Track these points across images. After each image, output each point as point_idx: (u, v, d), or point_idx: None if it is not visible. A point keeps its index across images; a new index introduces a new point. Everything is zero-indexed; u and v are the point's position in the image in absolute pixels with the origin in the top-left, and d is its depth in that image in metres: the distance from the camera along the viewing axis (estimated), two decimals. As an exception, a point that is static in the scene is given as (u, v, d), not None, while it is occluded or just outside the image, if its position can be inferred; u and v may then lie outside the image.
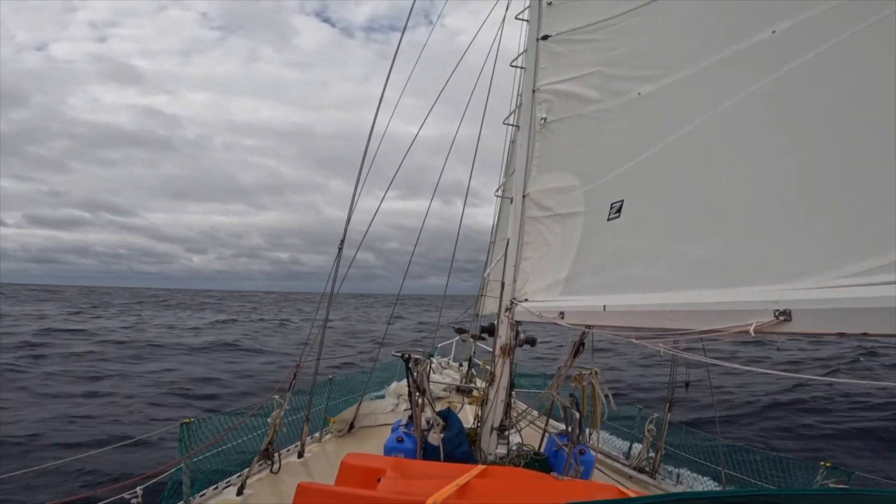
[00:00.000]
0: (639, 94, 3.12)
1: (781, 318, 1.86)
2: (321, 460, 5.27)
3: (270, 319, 41.66)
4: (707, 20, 2.70)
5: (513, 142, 5.86)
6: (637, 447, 5.73)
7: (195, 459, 4.02)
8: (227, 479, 4.36)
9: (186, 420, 4.02)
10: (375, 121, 5.00)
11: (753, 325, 1.92)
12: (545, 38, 4.08)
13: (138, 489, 3.40)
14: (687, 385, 4.92)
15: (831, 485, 3.99)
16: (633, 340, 2.49)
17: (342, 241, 4.93)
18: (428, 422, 3.74)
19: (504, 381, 4.04)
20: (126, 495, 3.37)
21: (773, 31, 2.28)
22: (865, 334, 1.67)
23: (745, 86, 2.38)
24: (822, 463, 4.21)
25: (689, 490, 4.99)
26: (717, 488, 5.06)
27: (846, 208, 1.94)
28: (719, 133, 2.51)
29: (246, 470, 4.38)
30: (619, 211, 3.10)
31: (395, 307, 7.56)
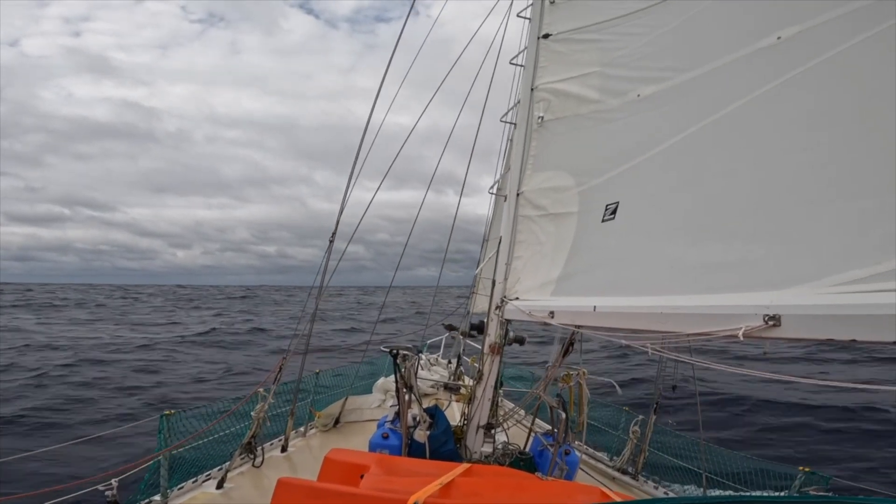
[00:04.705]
0: (638, 95, 3.11)
1: (770, 322, 1.86)
2: (305, 455, 5.22)
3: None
4: (712, 24, 2.69)
5: (510, 139, 5.85)
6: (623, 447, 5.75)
7: (174, 453, 3.92)
8: (208, 473, 4.28)
9: (167, 412, 3.94)
10: (372, 113, 5.03)
11: (743, 329, 1.93)
12: (546, 36, 4.06)
13: (113, 481, 3.30)
14: (674, 388, 4.95)
15: (811, 492, 4.01)
16: (623, 341, 2.49)
17: (333, 233, 4.90)
18: (414, 418, 3.71)
19: (492, 380, 4.03)
20: (101, 487, 3.27)
21: (779, 37, 2.27)
22: (854, 341, 1.68)
23: (747, 91, 2.37)
24: (801, 468, 4.24)
25: (670, 496, 5.02)
26: (699, 492, 5.08)
27: (843, 216, 1.93)
28: (719, 137, 2.51)
29: (227, 463, 4.32)
30: (613, 213, 3.10)
31: (384, 300, 7.51)
